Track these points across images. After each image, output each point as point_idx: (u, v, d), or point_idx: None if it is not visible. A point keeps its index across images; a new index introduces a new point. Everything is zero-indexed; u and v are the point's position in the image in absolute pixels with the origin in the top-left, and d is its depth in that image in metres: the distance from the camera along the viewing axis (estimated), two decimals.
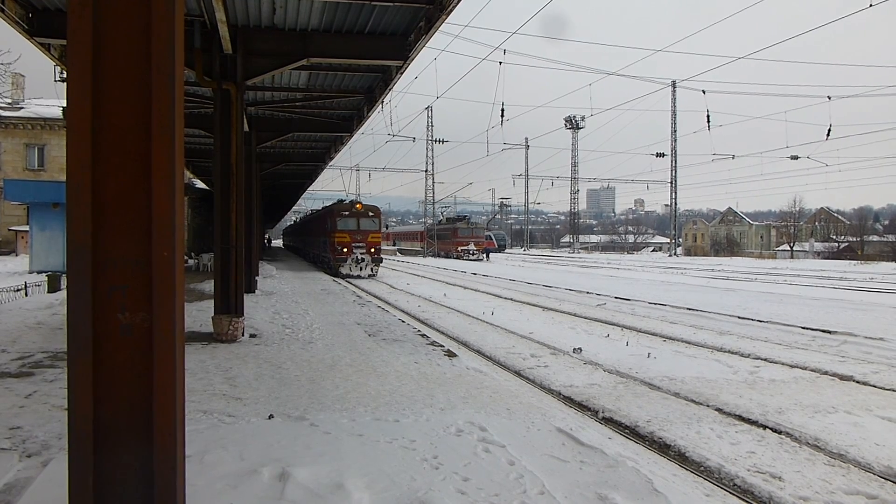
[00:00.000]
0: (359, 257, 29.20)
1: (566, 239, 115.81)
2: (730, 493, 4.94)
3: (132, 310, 2.98)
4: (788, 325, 13.59)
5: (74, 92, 2.92)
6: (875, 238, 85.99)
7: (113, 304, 2.95)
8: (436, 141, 73.70)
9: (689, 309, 16.57)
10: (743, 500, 4.85)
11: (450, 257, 59.76)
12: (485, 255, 58.22)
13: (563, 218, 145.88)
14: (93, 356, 2.91)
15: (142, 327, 2.99)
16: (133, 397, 2.98)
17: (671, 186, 69.89)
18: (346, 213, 29.93)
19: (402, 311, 16.64)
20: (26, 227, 30.17)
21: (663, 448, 5.94)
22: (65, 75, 15.57)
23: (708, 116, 49.74)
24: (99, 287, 2.93)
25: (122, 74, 2.96)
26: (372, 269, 29.74)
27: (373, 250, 29.77)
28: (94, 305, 2.92)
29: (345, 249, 29.10)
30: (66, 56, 13.06)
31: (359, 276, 28.95)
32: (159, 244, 2.97)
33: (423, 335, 11.69)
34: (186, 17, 10.65)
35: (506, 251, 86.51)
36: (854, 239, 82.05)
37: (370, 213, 30.41)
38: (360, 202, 31.07)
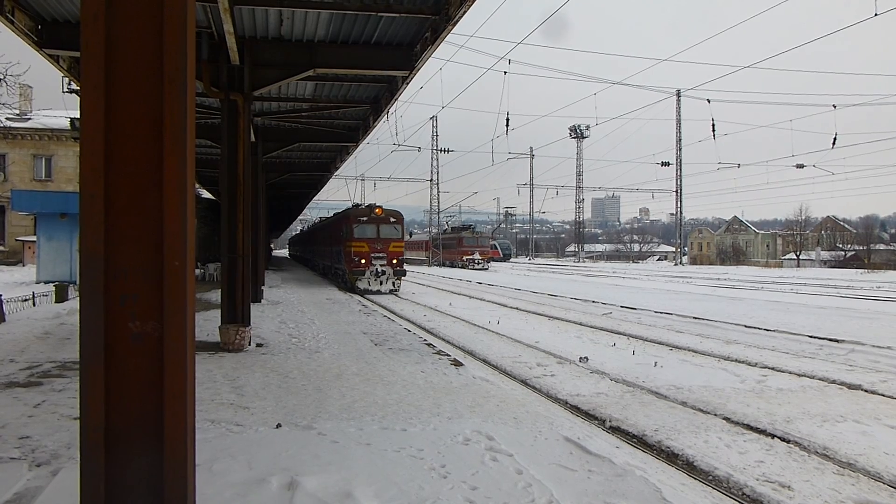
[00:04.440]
0: (378, 270, 25.48)
1: (571, 248, 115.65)
2: (739, 502, 4.92)
3: (143, 318, 3.00)
4: (795, 334, 13.54)
5: (88, 102, 2.95)
6: (881, 247, 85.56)
7: (125, 312, 2.97)
8: (441, 150, 73.87)
9: (696, 318, 16.52)
10: None
11: (455, 266, 59.79)
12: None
13: (568, 227, 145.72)
14: (104, 364, 2.93)
15: (153, 336, 3.01)
16: (144, 405, 3.00)
17: (676, 195, 69.74)
18: (364, 218, 26.19)
19: (408, 320, 16.63)
20: (34, 238, 30.32)
21: (671, 457, 5.92)
22: (73, 86, 15.70)
23: (713, 125, 49.82)
24: (111, 295, 2.95)
25: (135, 85, 3.00)
26: (394, 284, 26.02)
27: (394, 261, 25.98)
28: (106, 314, 2.94)
29: (362, 261, 25.40)
30: (76, 67, 13.16)
31: (378, 292, 25.35)
32: (171, 253, 3.00)
33: (429, 344, 11.69)
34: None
35: (511, 260, 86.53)
36: (860, 247, 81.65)
37: (392, 219, 26.58)
38: (379, 206, 26.83)
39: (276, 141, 20.79)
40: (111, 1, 2.96)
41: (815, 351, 11.60)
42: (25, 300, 16.64)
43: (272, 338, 11.79)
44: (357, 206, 29.47)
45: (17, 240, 40.21)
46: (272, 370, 8.82)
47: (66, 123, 39.88)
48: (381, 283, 25.62)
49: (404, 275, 26.90)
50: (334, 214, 36.15)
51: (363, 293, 24.84)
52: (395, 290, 25.92)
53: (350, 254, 25.70)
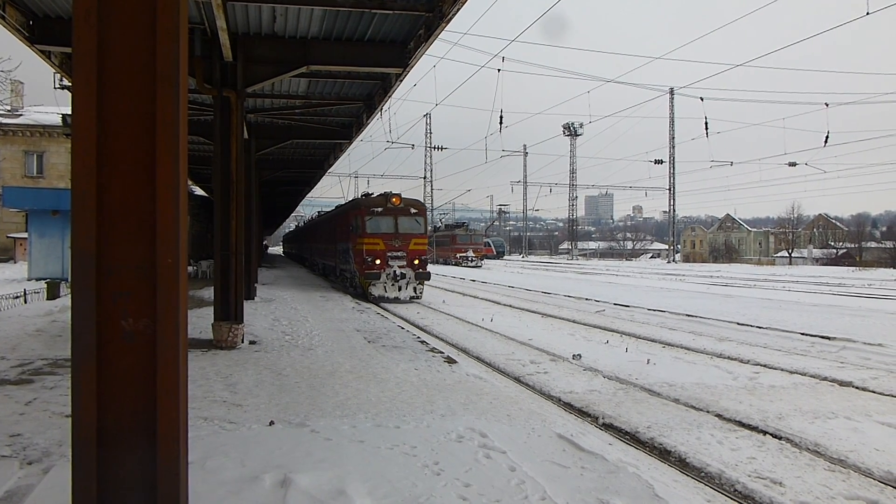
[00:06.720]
0: (397, 272, 20.70)
1: (564, 246, 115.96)
2: (731, 498, 4.95)
3: (136, 316, 2.99)
4: (787, 331, 13.60)
5: (79, 99, 2.93)
6: (873, 244, 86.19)
7: (117, 310, 2.96)
8: (434, 148, 73.92)
9: (688, 315, 16.58)
10: None
11: (448, 264, 59.79)
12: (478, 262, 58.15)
13: (561, 225, 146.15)
14: (96, 362, 2.92)
15: (145, 334, 2.99)
16: (136, 403, 2.99)
17: (669, 193, 70.03)
18: (379, 209, 21.30)
19: (401, 317, 16.63)
20: (25, 235, 30.13)
21: (664, 454, 5.94)
22: (64, 82, 15.59)
23: (706, 123, 49.86)
24: (103, 293, 2.94)
25: (127, 82, 2.98)
26: (415, 290, 21.06)
27: (416, 262, 21.10)
28: (97, 312, 2.93)
29: (377, 261, 20.67)
30: (68, 63, 13.08)
31: (396, 300, 20.66)
32: (163, 251, 2.99)
33: (422, 342, 11.69)
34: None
35: (504, 258, 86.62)
36: (852, 245, 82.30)
37: (412, 210, 21.74)
38: (397, 195, 21.87)
39: (269, 138, 20.78)
40: None
41: (807, 348, 11.66)
42: (17, 297, 16.54)
43: (265, 335, 11.76)
44: (368, 195, 23.93)
45: (8, 237, 39.95)
46: (265, 367, 8.80)
47: (57, 120, 39.59)
48: (399, 290, 20.85)
49: (428, 278, 21.57)
50: (337, 206, 31.41)
51: (377, 301, 20.50)
52: (417, 298, 21.14)
53: (361, 253, 21.05)
